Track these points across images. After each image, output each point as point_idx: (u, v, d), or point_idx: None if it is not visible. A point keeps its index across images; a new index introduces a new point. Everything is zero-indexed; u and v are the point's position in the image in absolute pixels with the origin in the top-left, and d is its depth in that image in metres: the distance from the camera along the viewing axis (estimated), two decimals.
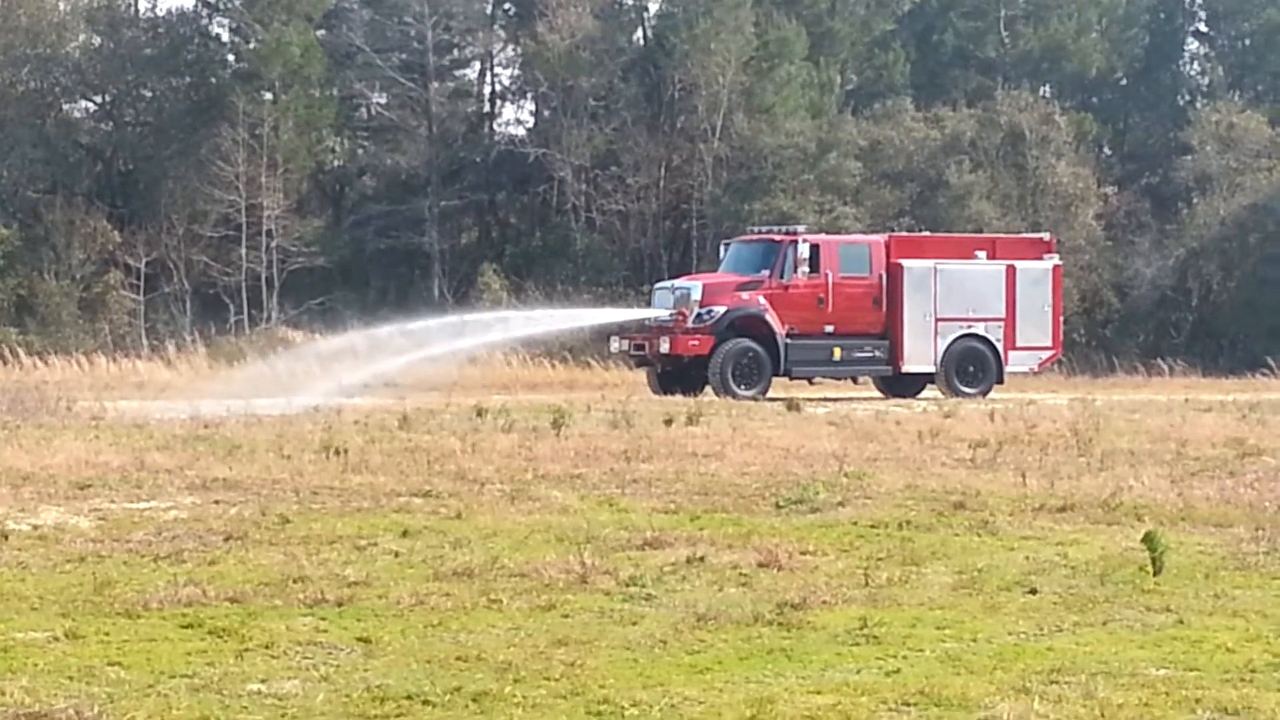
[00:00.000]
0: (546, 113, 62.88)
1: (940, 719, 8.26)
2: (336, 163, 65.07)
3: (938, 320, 36.47)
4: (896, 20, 67.94)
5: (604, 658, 9.40)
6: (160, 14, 62.35)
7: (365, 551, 13.07)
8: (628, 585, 11.52)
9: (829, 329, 36.06)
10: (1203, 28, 72.85)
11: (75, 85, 60.96)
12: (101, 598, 10.99)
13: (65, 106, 61.85)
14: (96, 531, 14.00)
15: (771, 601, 10.89)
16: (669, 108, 60.43)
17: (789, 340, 35.62)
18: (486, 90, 66.01)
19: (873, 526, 14.54)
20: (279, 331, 51.14)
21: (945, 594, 11.41)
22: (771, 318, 35.60)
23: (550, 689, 8.69)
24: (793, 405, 29.83)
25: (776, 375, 35.79)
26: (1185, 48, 73.07)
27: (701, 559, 12.55)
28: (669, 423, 24.93)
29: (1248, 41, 71.14)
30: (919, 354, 36.49)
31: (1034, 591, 11.47)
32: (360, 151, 65.75)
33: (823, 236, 39.14)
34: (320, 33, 60.98)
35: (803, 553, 12.97)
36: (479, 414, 26.49)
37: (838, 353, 36.13)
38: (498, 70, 65.89)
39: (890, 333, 36.42)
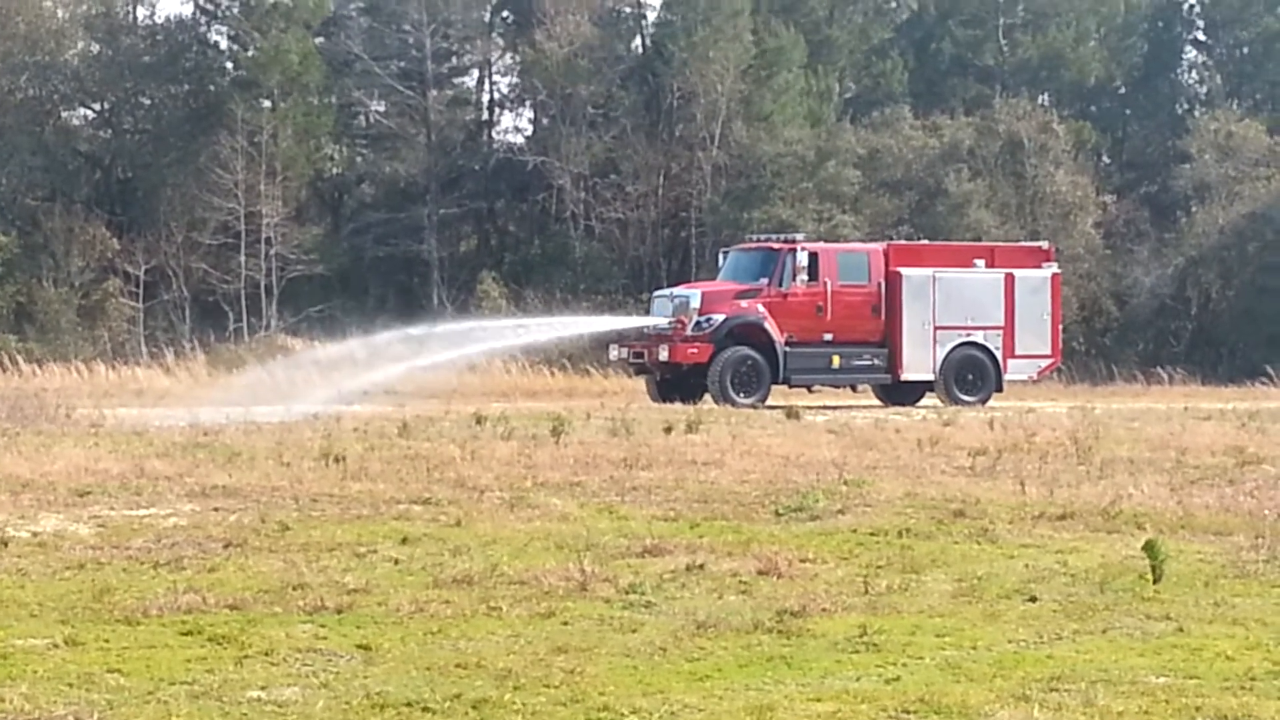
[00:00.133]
0: (545, 120, 62.93)
1: None
2: (335, 170, 65.11)
3: (936, 328, 36.49)
4: (895, 28, 68.01)
5: (604, 665, 9.39)
6: (159, 21, 62.53)
7: (365, 559, 13.07)
8: (627, 593, 11.51)
9: (828, 337, 36.07)
10: (1201, 36, 72.91)
11: (74, 93, 61.00)
12: (101, 605, 10.98)
13: (64, 114, 61.92)
14: (96, 538, 14.00)
15: (771, 609, 10.88)
16: (668, 116, 60.46)
17: (788, 348, 35.64)
18: (485, 98, 66.15)
19: (872, 534, 14.53)
20: (278, 339, 51.18)
21: (945, 602, 11.40)
22: (770, 326, 35.61)
23: (550, 696, 8.69)
24: (792, 413, 29.86)
25: (775, 383, 35.81)
26: (1184, 56, 73.16)
27: (701, 566, 12.55)
28: (668, 430, 24.93)
29: (1246, 50, 71.18)
30: (918, 362, 36.51)
31: (1034, 599, 11.46)
32: (359, 159, 65.79)
33: (821, 245, 39.15)
34: (319, 40, 61.05)
35: (802, 560, 12.96)
36: (478, 421, 26.50)
37: (837, 361, 36.13)
38: (496, 78, 66.09)
39: (889, 341, 36.44)
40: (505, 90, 66.43)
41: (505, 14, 65.08)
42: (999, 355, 36.90)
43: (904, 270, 36.63)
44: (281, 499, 16.57)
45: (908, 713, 8.41)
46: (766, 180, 58.31)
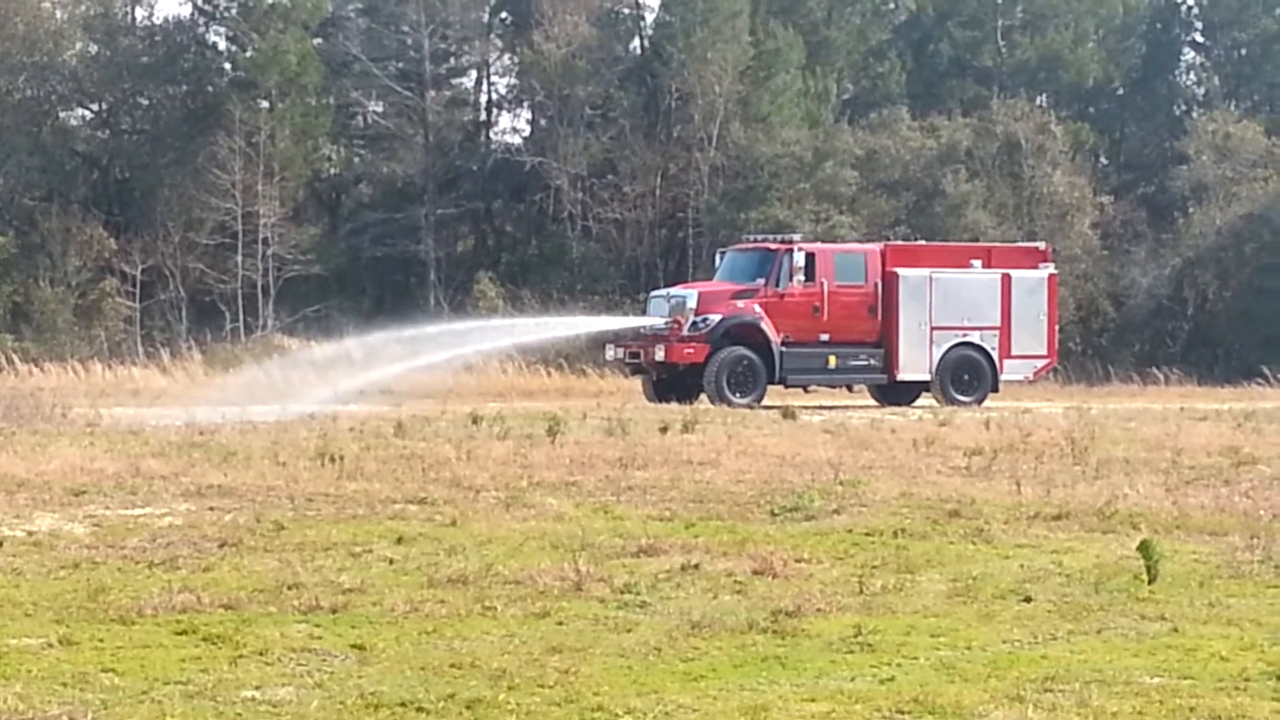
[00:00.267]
0: (543, 121, 62.93)
1: None
2: (333, 171, 65.09)
3: (933, 329, 36.49)
4: (893, 29, 68.00)
5: (598, 665, 9.40)
6: (157, 22, 62.54)
7: (360, 558, 13.07)
8: (622, 593, 11.52)
9: (824, 337, 36.06)
10: (1199, 38, 72.94)
11: (72, 93, 60.97)
12: (96, 604, 10.98)
13: (62, 114, 61.88)
14: (91, 538, 13.99)
15: (766, 609, 10.89)
16: (665, 116, 60.45)
17: (784, 348, 35.63)
18: (483, 99, 66.16)
19: (867, 534, 14.54)
20: (274, 339, 51.18)
21: (940, 602, 11.40)
22: (767, 326, 35.61)
23: (544, 696, 8.69)
24: (788, 413, 29.86)
25: (772, 383, 35.81)
26: (1182, 58, 73.18)
27: (696, 566, 12.55)
28: (664, 430, 24.93)
29: (1244, 51, 71.23)
30: (914, 362, 36.51)
31: (1029, 599, 11.46)
32: (356, 160, 65.77)
33: (818, 245, 39.14)
34: (317, 41, 61.01)
35: (797, 560, 12.97)
36: (474, 421, 26.51)
37: (833, 361, 36.13)
38: (494, 79, 66.08)
39: (885, 341, 36.43)
40: (503, 91, 66.54)
41: (503, 15, 65.08)
42: (995, 356, 36.90)
43: (900, 271, 36.63)
44: (277, 498, 16.57)
45: (902, 713, 8.41)
46: (764, 181, 58.32)
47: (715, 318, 35.62)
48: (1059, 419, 29.53)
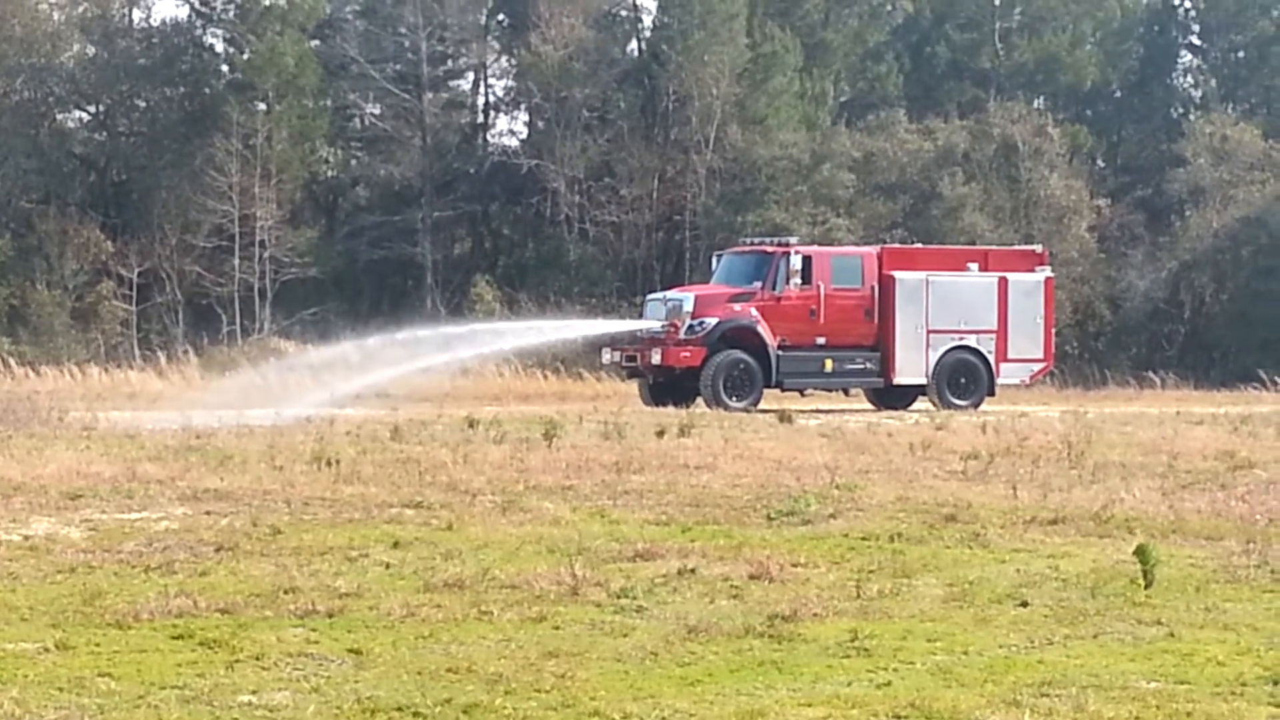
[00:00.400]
0: (540, 124, 62.90)
1: None
2: (330, 173, 65.06)
3: (929, 332, 36.48)
4: (890, 32, 67.99)
5: (595, 669, 9.40)
6: (154, 24, 62.57)
7: (356, 563, 13.06)
8: (619, 597, 11.52)
9: (821, 341, 36.05)
10: (1196, 40, 72.95)
11: (69, 95, 60.98)
12: (92, 608, 10.97)
13: (59, 116, 61.85)
14: (87, 542, 13.98)
15: (762, 613, 10.89)
16: (663, 119, 60.47)
17: (781, 352, 35.62)
18: (480, 101, 66.15)
19: (864, 539, 14.54)
20: (271, 342, 51.14)
21: (936, 606, 11.41)
22: (763, 329, 35.60)
23: (541, 701, 8.69)
24: (784, 417, 29.86)
25: (768, 387, 35.79)
26: (1179, 60, 73.21)
27: (693, 571, 12.55)
28: (661, 434, 24.92)
29: (1241, 54, 71.27)
30: (911, 366, 36.49)
31: (1025, 604, 11.47)
32: (354, 162, 65.74)
33: (815, 248, 39.17)
34: (314, 43, 61.02)
35: (794, 565, 12.97)
36: (471, 425, 26.50)
37: (829, 365, 36.12)
38: (492, 81, 66.08)
39: (882, 345, 36.41)
40: (500, 93, 66.52)
41: (500, 17, 65.06)
42: (991, 359, 36.88)
43: (897, 274, 36.61)
44: (273, 502, 16.57)
45: (899, 717, 8.42)
46: (761, 183, 58.33)
47: (712, 321, 35.60)
48: (1055, 423, 29.53)
